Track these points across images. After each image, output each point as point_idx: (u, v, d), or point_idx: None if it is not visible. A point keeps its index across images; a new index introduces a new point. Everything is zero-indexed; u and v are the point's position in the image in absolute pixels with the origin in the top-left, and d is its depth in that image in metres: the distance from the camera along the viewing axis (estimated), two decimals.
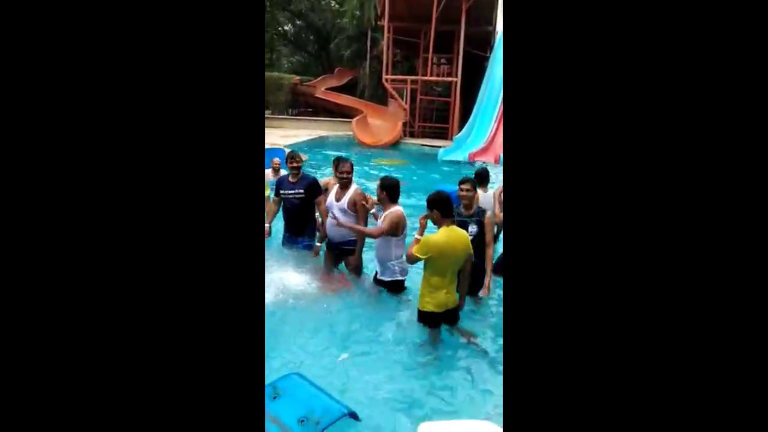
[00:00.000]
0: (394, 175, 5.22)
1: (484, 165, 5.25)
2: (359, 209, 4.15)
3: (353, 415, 2.48)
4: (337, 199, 4.27)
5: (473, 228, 3.93)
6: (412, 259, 3.35)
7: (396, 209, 3.87)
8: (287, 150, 6.44)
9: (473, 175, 4.61)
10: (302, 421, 2.44)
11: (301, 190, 4.60)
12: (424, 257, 3.21)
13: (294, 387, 2.66)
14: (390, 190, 3.89)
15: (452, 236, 3.26)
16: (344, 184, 4.26)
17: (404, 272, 4.03)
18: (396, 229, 3.82)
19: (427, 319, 3.44)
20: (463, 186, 4.11)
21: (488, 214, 4.14)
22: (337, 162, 4.41)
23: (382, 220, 3.87)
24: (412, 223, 3.96)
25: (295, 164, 4.64)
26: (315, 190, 4.65)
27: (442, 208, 3.29)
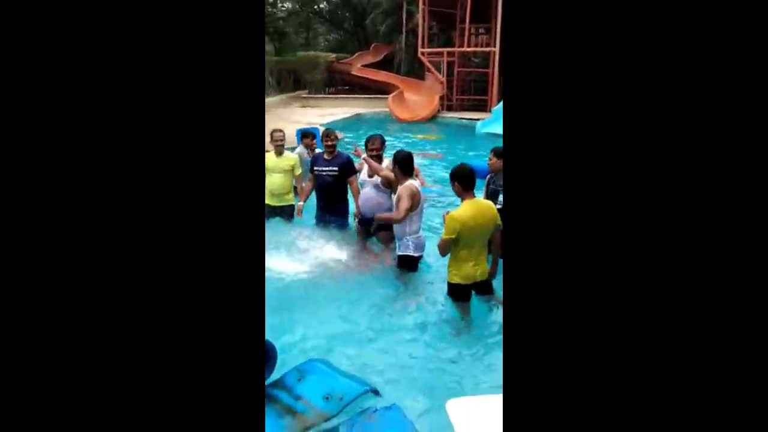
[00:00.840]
0: (431, 150, 5.17)
1: None
2: (393, 184, 4.13)
3: (374, 392, 2.49)
4: (370, 176, 4.29)
5: (503, 198, 3.83)
6: (445, 247, 3.28)
7: (409, 183, 3.80)
8: (321, 129, 6.46)
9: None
10: (327, 398, 2.49)
11: (335, 168, 4.64)
12: (454, 236, 3.14)
13: (317, 370, 2.72)
14: (403, 164, 3.82)
15: (477, 208, 3.19)
16: (377, 160, 4.28)
17: (418, 248, 3.97)
18: (413, 203, 3.75)
19: (455, 291, 3.40)
20: (492, 155, 4.04)
21: None
22: (368, 140, 4.44)
23: (397, 197, 3.81)
24: (436, 201, 3.90)
25: (330, 142, 4.68)
26: (349, 168, 4.68)
27: (463, 181, 3.23)
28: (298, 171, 5.11)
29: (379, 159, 4.33)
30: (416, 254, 3.95)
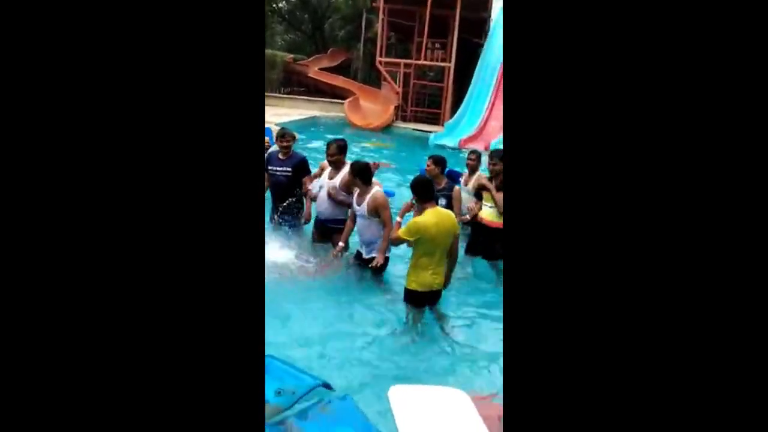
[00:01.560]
0: (373, 158, 5.30)
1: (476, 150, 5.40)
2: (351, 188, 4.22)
3: (326, 386, 2.57)
4: (330, 178, 4.37)
5: (442, 201, 4.16)
6: (398, 242, 3.42)
7: (376, 191, 3.93)
8: (275, 128, 6.44)
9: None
10: (279, 392, 2.53)
11: (289, 168, 4.66)
12: (412, 239, 3.27)
13: (269, 366, 2.74)
14: (361, 174, 3.93)
15: (439, 217, 3.33)
16: (335, 165, 4.36)
17: (388, 249, 4.09)
18: (386, 209, 3.89)
19: (411, 298, 3.52)
20: (429, 162, 4.50)
21: (456, 187, 4.52)
22: (328, 145, 4.50)
23: (371, 208, 3.89)
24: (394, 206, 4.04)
25: (285, 143, 4.69)
26: (303, 169, 4.71)
27: (421, 191, 3.38)
28: None
29: (339, 163, 4.40)
30: (388, 255, 4.09)
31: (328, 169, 4.46)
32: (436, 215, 3.32)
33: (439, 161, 4.54)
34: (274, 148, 4.99)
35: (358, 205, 4.00)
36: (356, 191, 4.08)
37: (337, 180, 4.33)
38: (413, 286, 3.45)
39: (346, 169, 4.26)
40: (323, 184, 4.47)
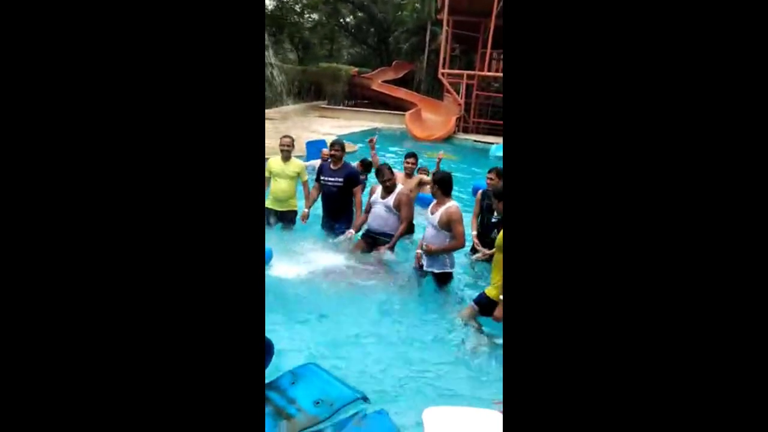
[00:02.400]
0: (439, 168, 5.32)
1: None
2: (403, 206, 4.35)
3: (365, 399, 2.52)
4: (382, 197, 4.44)
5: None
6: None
7: (451, 204, 3.91)
8: (329, 140, 6.58)
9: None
10: (317, 402, 2.52)
11: (341, 179, 4.70)
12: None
13: (311, 374, 2.75)
14: (442, 184, 3.94)
15: None
16: (388, 189, 4.44)
17: (453, 264, 4.08)
18: (459, 223, 3.88)
19: (487, 307, 3.44)
20: (493, 175, 4.45)
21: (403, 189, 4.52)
22: (379, 170, 4.55)
23: (445, 221, 3.87)
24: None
25: (334, 152, 4.73)
26: (354, 179, 4.74)
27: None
28: (305, 177, 5.18)
29: (392, 187, 4.46)
30: (451, 270, 4.08)
31: (379, 188, 4.55)
32: None
33: (500, 173, 4.44)
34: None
35: (432, 214, 3.96)
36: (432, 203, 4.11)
37: (390, 200, 4.43)
38: (493, 294, 3.40)
39: (398, 189, 4.43)
40: (375, 200, 4.57)
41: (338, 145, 4.84)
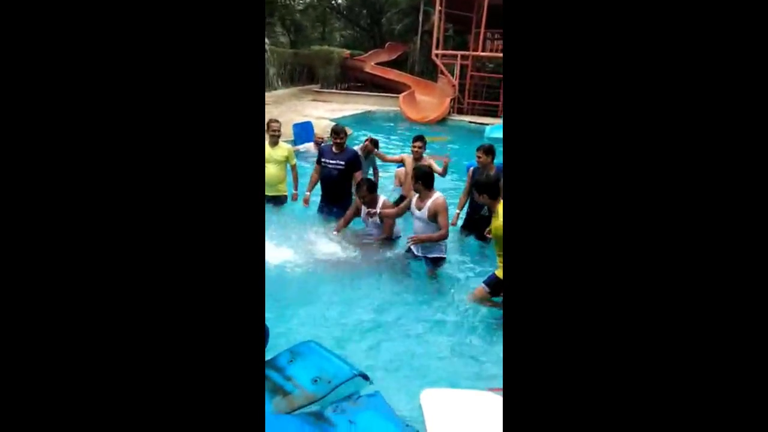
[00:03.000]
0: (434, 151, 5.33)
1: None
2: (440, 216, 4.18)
3: (364, 376, 2.55)
4: (419, 208, 4.15)
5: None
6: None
7: (438, 196, 3.96)
8: (322, 124, 6.54)
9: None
10: (315, 380, 2.55)
11: (342, 162, 4.71)
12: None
13: (309, 352, 2.78)
14: (426, 179, 4.00)
15: None
16: (369, 203, 4.41)
17: (446, 249, 4.20)
18: (444, 213, 3.95)
19: (498, 286, 3.54)
20: (480, 153, 4.54)
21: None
22: (359, 185, 4.49)
23: (432, 212, 3.94)
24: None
25: (339, 140, 4.75)
26: (355, 163, 4.74)
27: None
28: (293, 162, 5.17)
29: (371, 203, 4.43)
30: (445, 255, 4.21)
31: (416, 196, 4.31)
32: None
33: (488, 150, 4.60)
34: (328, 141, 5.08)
35: (419, 209, 4.04)
36: (415, 195, 4.14)
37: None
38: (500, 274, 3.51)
39: (380, 202, 4.46)
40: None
41: (342, 132, 4.87)
